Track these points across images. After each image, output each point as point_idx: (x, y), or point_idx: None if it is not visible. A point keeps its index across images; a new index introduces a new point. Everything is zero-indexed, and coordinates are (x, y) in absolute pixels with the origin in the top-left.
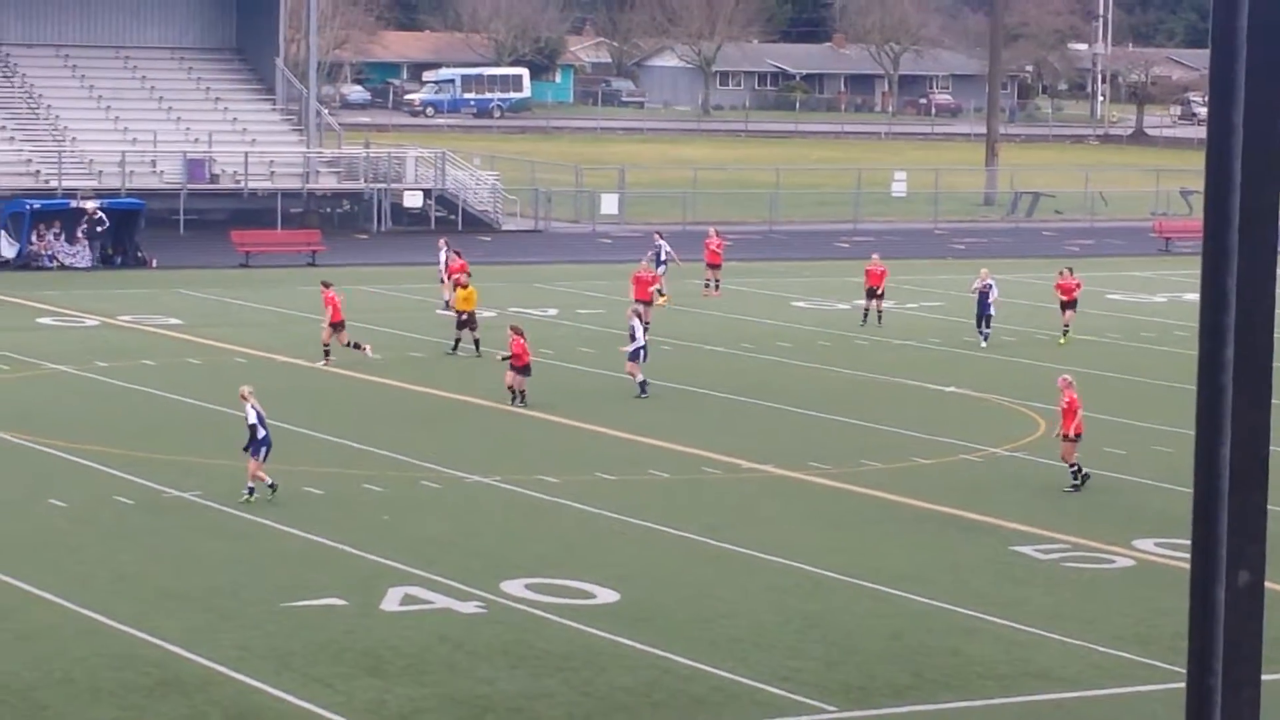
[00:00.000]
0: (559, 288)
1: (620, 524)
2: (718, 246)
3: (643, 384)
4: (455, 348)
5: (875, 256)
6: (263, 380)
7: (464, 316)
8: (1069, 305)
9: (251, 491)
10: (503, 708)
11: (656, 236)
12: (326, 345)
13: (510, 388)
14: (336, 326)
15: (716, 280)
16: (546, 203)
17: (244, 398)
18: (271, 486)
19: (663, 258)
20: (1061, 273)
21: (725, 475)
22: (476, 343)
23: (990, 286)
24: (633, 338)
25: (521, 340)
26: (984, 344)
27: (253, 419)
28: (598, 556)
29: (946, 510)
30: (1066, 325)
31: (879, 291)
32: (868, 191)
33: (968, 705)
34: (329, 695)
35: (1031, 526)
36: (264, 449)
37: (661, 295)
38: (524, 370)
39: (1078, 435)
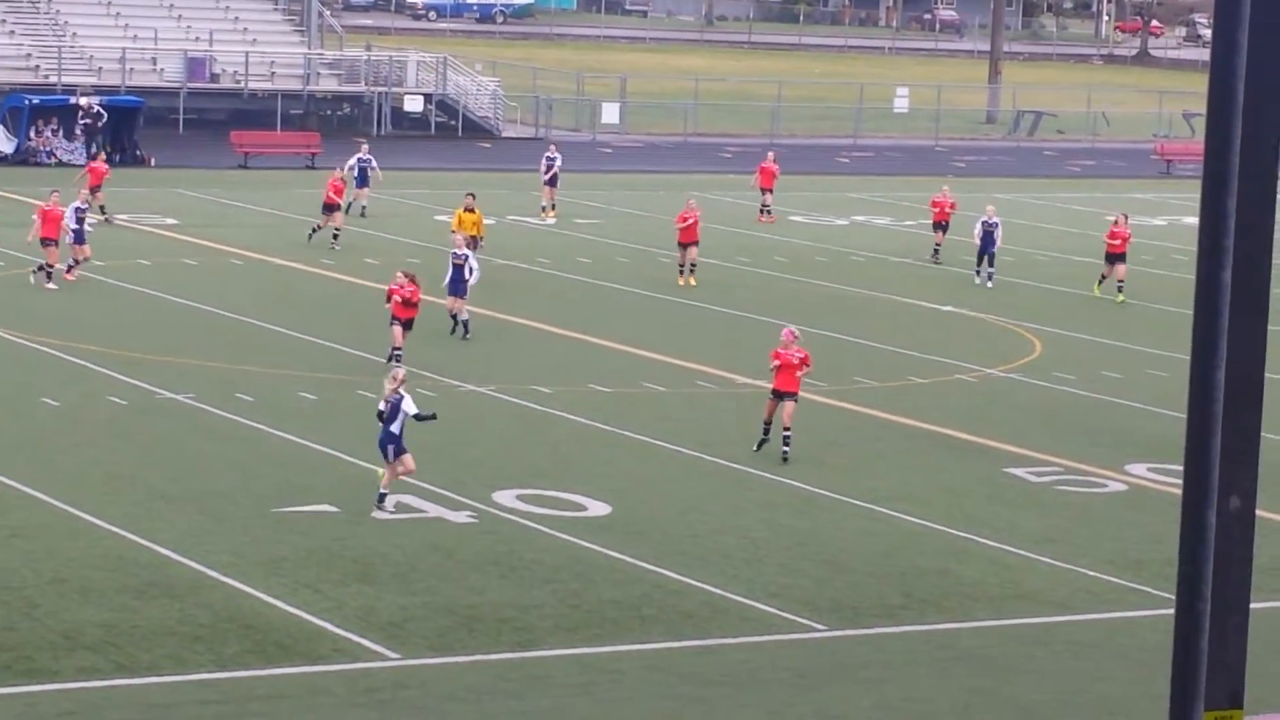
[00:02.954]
0: (558, 197)
1: (613, 436)
2: (776, 172)
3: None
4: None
5: (945, 188)
6: (259, 283)
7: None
8: (1118, 258)
9: (382, 498)
10: (492, 618)
11: (553, 148)
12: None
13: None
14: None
15: (768, 206)
16: (547, 110)
17: (396, 383)
18: (381, 496)
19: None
20: (1117, 220)
21: (719, 390)
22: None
23: (996, 225)
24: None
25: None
26: (989, 284)
27: (412, 409)
28: (590, 469)
29: (940, 430)
30: (1121, 281)
31: (946, 225)
32: (869, 106)
33: (957, 626)
34: (319, 601)
35: (1025, 449)
36: (389, 447)
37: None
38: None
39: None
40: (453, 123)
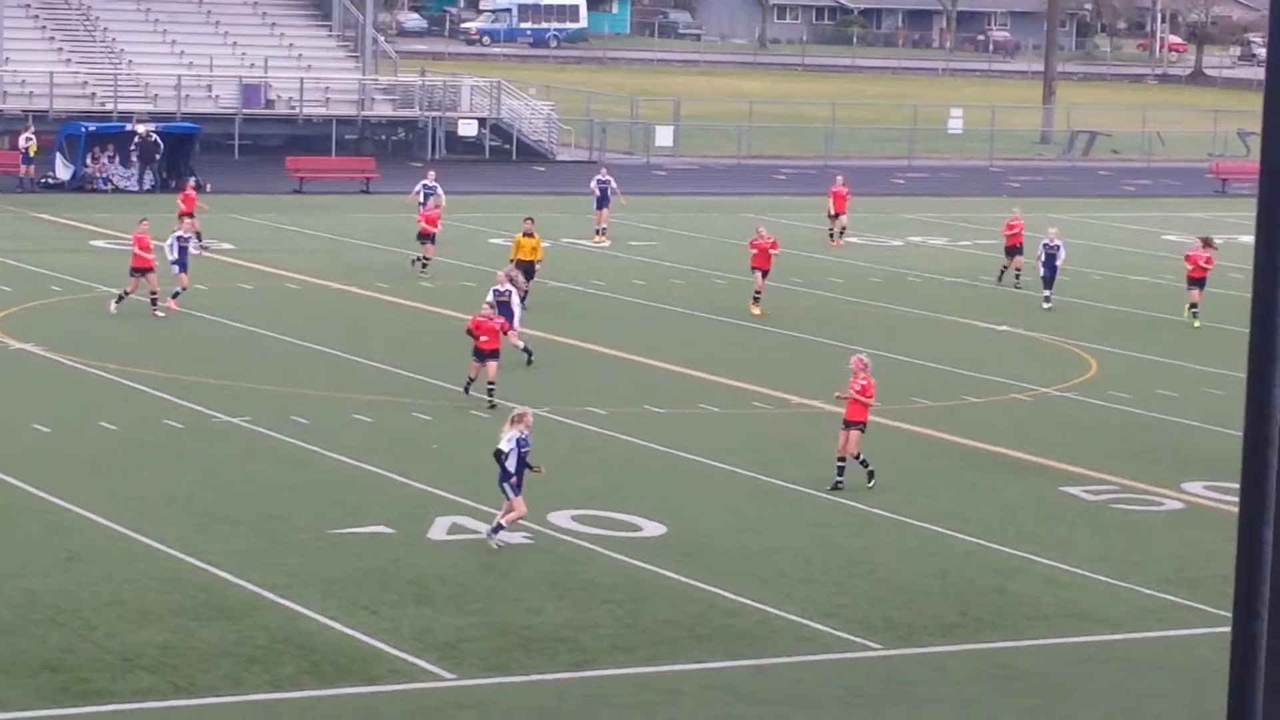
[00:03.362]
0: (612, 219)
1: (668, 457)
2: (847, 194)
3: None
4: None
5: (1016, 210)
6: (314, 308)
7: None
8: (1197, 283)
9: (498, 529)
10: (548, 638)
11: (603, 171)
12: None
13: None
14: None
15: (841, 229)
16: (601, 134)
17: (519, 423)
18: (496, 529)
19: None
20: (1207, 244)
21: (775, 410)
22: (523, 295)
23: (1058, 248)
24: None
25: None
26: (1048, 306)
27: (505, 446)
28: (645, 489)
29: (995, 450)
30: (1195, 305)
31: (1019, 248)
32: (924, 128)
33: (1013, 645)
34: (375, 622)
35: (1080, 467)
36: (505, 485)
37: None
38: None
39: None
40: (507, 146)
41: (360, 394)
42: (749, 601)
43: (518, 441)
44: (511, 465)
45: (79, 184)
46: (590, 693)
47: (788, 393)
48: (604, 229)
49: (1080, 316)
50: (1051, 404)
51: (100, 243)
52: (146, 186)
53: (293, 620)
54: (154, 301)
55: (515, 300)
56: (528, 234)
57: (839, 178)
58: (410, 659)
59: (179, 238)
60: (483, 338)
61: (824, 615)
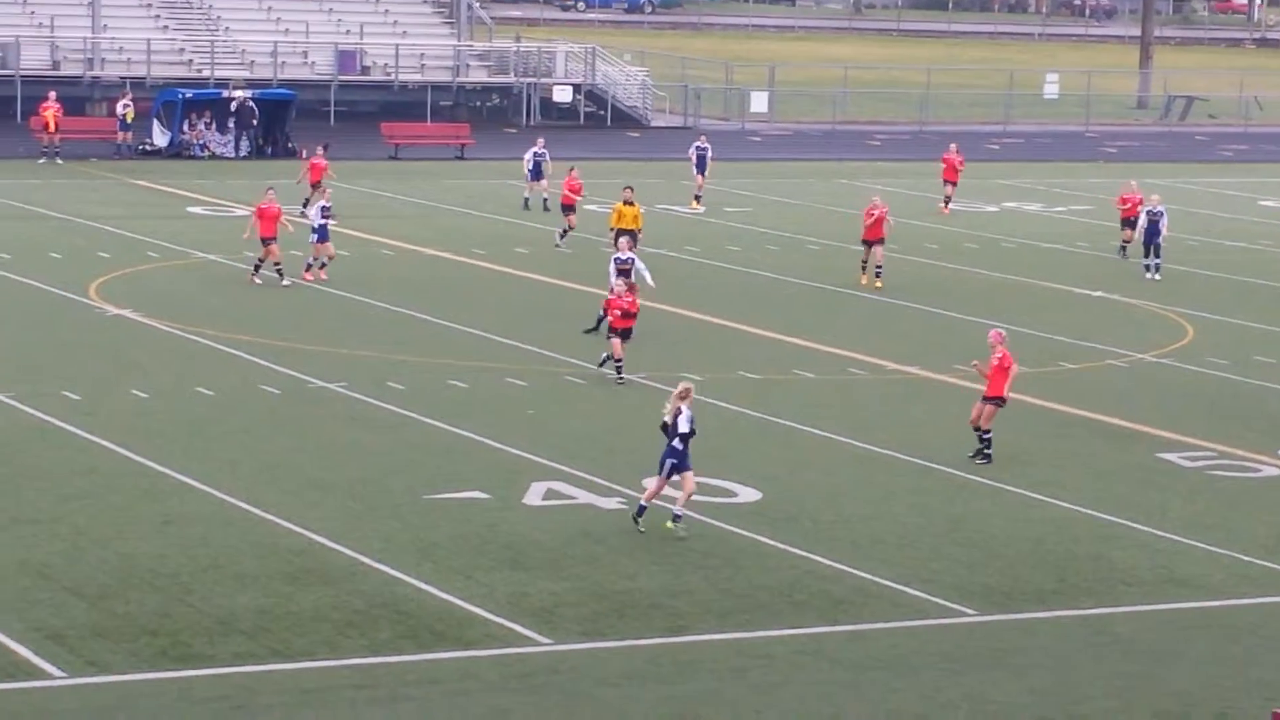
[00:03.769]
0: (707, 185)
1: (763, 423)
2: (959, 164)
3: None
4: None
5: (1134, 183)
6: (410, 274)
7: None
8: None
9: (642, 511)
10: (643, 603)
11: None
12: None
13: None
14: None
15: (946, 198)
16: (695, 100)
17: (682, 397)
18: (641, 509)
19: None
20: None
21: (870, 376)
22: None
23: (1161, 214)
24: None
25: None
26: (1156, 276)
27: (684, 427)
28: (740, 455)
29: (1092, 416)
30: None
31: (1135, 221)
32: (1019, 93)
33: (1110, 611)
34: (470, 587)
35: (1178, 434)
36: (669, 462)
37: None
38: (625, 335)
39: (1002, 400)
40: (601, 112)
41: (456, 359)
42: (844, 567)
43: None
44: (680, 443)
45: (176, 150)
46: (685, 658)
47: (882, 359)
48: (698, 195)
49: (1176, 283)
50: (1148, 370)
51: (197, 209)
52: (243, 153)
53: (389, 585)
54: (280, 271)
55: (640, 264)
56: (628, 203)
57: (952, 145)
58: (506, 623)
59: (323, 208)
60: (616, 313)
61: (920, 581)
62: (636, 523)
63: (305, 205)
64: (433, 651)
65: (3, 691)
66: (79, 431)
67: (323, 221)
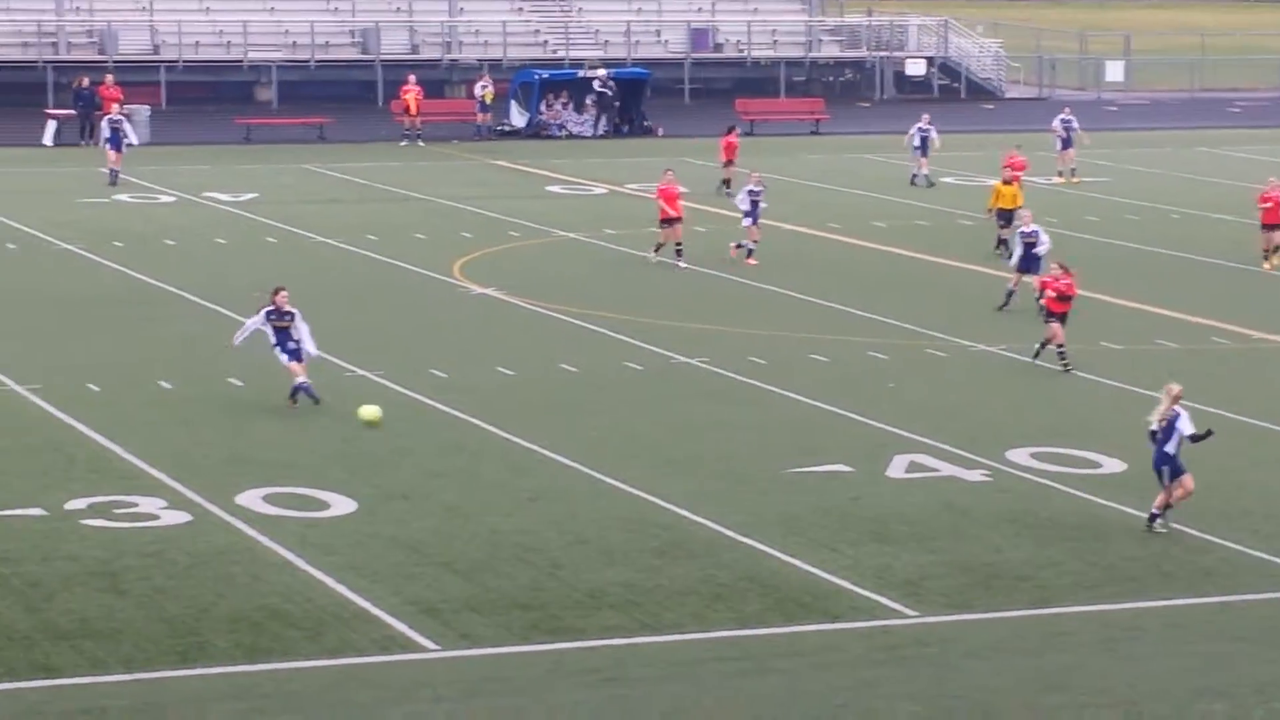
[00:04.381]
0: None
1: (1126, 393)
2: None
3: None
4: (998, 245)
5: None
6: (766, 249)
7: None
8: None
9: (1154, 518)
10: (1009, 575)
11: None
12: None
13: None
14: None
15: None
16: (1050, 70)
17: (1172, 398)
18: (1153, 516)
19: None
20: None
21: (1234, 346)
22: (1004, 242)
23: None
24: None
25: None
26: None
27: (1189, 429)
28: (1104, 426)
29: None
30: None
31: None
32: None
33: None
34: (835, 560)
35: None
36: (1164, 468)
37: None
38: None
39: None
40: (955, 85)
41: (816, 333)
42: (1212, 538)
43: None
44: (1173, 448)
45: (534, 130)
46: (1052, 630)
47: (1248, 327)
48: (1066, 170)
49: None
50: None
51: (556, 188)
52: (600, 132)
53: (754, 558)
54: (679, 253)
55: (1045, 237)
56: (1007, 181)
57: None
58: (872, 596)
59: (750, 191)
60: (1052, 295)
61: None
62: (1150, 527)
63: (726, 186)
64: (799, 624)
65: (379, 664)
66: (446, 409)
67: (750, 206)
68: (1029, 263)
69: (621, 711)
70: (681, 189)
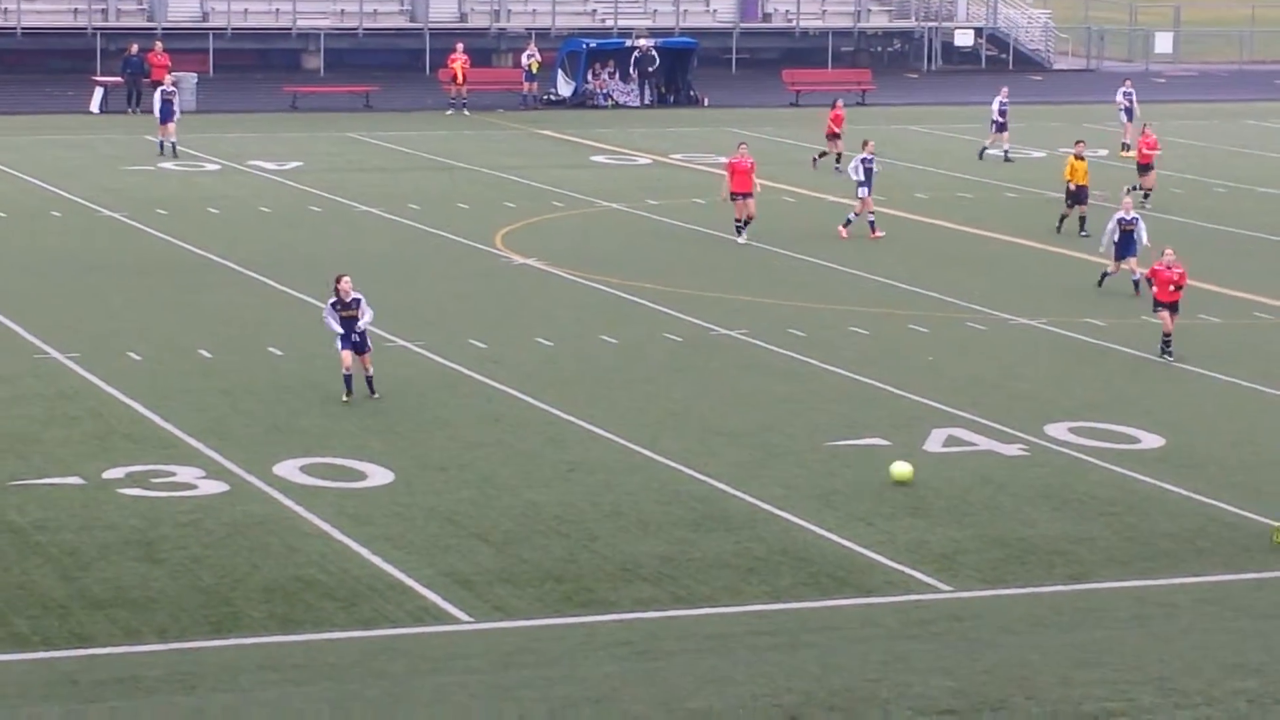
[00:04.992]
0: (1110, 128)
1: (1167, 368)
2: None
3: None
4: (1060, 225)
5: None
6: (808, 220)
7: (1073, 188)
8: None
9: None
10: (1044, 550)
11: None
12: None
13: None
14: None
15: None
16: (1099, 41)
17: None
18: None
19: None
20: None
21: (1278, 320)
22: (1082, 220)
23: None
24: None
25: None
26: None
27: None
28: (1144, 401)
29: None
30: None
31: None
32: None
33: None
34: (870, 534)
35: None
36: None
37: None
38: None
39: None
40: (1003, 56)
41: (857, 306)
42: (1249, 514)
43: None
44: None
45: (580, 100)
46: (1086, 605)
47: None
48: (1129, 142)
49: None
50: None
51: (600, 158)
52: (646, 101)
53: (790, 532)
54: (740, 228)
55: (1142, 225)
56: (1079, 156)
57: None
58: (906, 570)
59: (863, 160)
60: (1167, 286)
61: None
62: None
63: (836, 162)
64: (833, 598)
65: (412, 635)
66: (485, 380)
67: (863, 177)
68: (1126, 249)
69: (653, 684)
70: (752, 161)
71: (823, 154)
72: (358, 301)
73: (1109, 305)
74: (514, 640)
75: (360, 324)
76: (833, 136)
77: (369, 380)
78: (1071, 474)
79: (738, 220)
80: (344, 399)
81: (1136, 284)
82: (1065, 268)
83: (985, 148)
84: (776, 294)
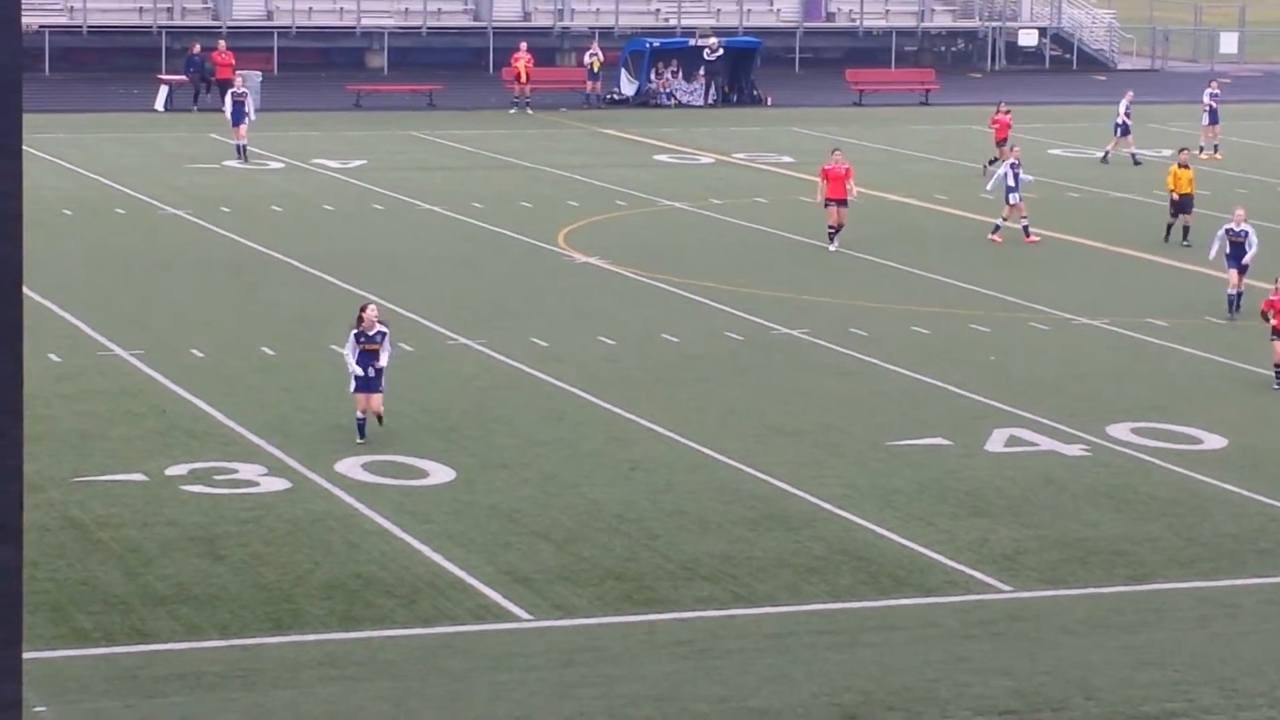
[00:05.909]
0: (1173, 129)
1: (1230, 369)
2: None
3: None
4: (1167, 235)
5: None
6: (871, 220)
7: (1176, 198)
8: None
9: None
10: (1106, 550)
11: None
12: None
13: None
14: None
15: None
16: (1163, 41)
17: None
18: None
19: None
20: None
21: None
22: (1185, 230)
23: None
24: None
25: None
26: None
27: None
28: (1206, 402)
29: None
30: None
31: None
32: None
33: None
34: (931, 534)
35: None
36: None
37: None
38: None
39: None
40: (1067, 56)
41: (918, 305)
42: None
43: None
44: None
45: (643, 99)
46: (1148, 606)
47: None
48: (1209, 145)
49: None
50: None
51: (663, 157)
52: (709, 101)
53: (850, 531)
54: (832, 235)
55: (1254, 237)
56: (1183, 165)
57: None
58: (967, 570)
59: (1012, 165)
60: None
61: None
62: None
63: (989, 163)
64: (893, 598)
65: (472, 633)
66: (547, 378)
67: (1013, 183)
68: (1235, 262)
69: (713, 683)
70: (847, 166)
71: (993, 161)
72: (382, 335)
73: (1171, 306)
74: (574, 638)
75: (379, 362)
76: (1001, 143)
77: (379, 417)
78: (1133, 474)
79: (830, 227)
80: (358, 441)
81: (1232, 300)
82: (1124, 266)
83: (1108, 151)
84: (838, 293)
